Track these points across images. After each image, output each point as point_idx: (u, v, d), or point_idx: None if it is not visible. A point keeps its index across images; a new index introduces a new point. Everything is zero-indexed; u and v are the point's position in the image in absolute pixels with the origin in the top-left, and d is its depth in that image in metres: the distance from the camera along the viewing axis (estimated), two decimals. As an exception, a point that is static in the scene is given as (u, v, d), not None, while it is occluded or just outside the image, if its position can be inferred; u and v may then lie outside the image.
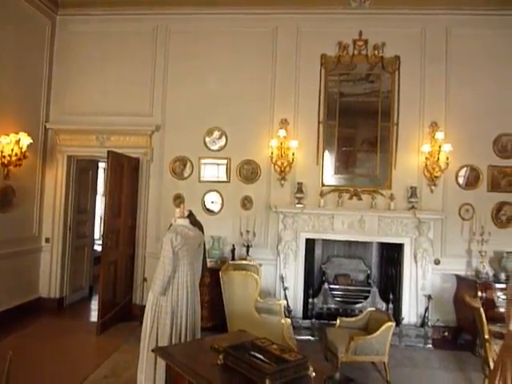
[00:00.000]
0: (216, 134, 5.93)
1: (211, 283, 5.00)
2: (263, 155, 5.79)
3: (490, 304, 4.87)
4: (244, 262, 5.07)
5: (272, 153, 5.62)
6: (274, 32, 5.90)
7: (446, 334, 5.45)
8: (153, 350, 2.72)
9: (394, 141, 5.65)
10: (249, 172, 5.85)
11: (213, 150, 5.94)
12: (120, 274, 5.61)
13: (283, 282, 5.46)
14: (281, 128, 5.64)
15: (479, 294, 4.95)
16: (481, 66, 5.62)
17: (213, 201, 5.92)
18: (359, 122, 5.83)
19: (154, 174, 6.03)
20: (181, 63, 6.03)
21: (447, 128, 5.54)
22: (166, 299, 3.07)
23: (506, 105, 5.56)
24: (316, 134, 5.75)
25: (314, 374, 2.17)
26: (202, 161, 5.95)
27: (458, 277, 5.45)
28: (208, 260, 5.30)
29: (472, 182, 5.61)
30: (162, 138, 6.04)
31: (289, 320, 3.95)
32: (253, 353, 2.25)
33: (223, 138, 5.92)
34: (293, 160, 5.61)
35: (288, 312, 5.29)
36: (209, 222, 5.68)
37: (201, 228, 3.49)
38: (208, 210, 5.90)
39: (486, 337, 3.58)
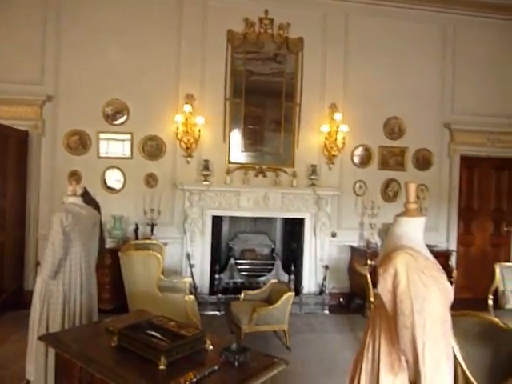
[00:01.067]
0: (117, 107, 5.58)
1: (113, 264, 4.78)
2: (168, 131, 5.61)
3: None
4: (147, 241, 4.93)
5: (177, 129, 5.47)
6: (179, 4, 5.65)
7: (341, 299, 5.95)
8: (40, 338, 2.52)
9: (297, 121, 5.87)
10: (153, 148, 5.64)
11: (113, 125, 5.59)
12: (7, 258, 5.09)
13: (189, 260, 5.46)
14: (186, 103, 5.50)
15: (369, 262, 5.47)
16: (374, 54, 6.03)
17: (115, 178, 5.61)
18: (266, 102, 5.93)
19: (46, 149, 5.50)
20: (78, 29, 5.49)
21: (345, 110, 5.89)
22: (57, 283, 2.86)
23: (394, 91, 6.08)
24: (223, 111, 5.73)
25: (211, 347, 2.21)
26: (102, 135, 5.57)
27: (352, 247, 5.96)
28: (109, 240, 5.09)
29: (365, 160, 6.11)
30: (55, 109, 5.50)
31: (192, 297, 3.97)
32: (149, 332, 2.22)
33: (125, 112, 5.59)
34: (199, 136, 5.53)
35: (194, 289, 5.32)
36: (110, 201, 5.43)
37: (97, 207, 3.29)
38: (109, 187, 5.59)
39: (372, 300, 3.98)
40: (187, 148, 5.53)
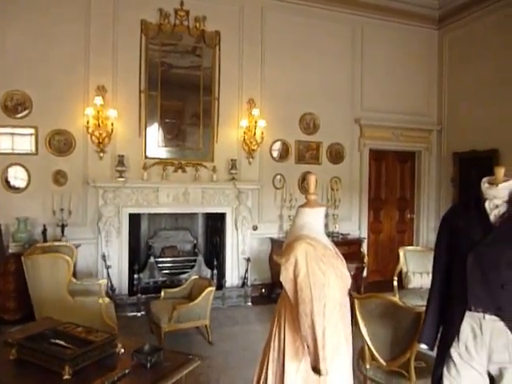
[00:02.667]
0: (18, 99, 5.07)
1: (17, 270, 4.35)
2: (78, 125, 5.25)
3: (296, 260, 5.63)
4: (56, 243, 4.58)
5: (88, 122, 5.14)
6: (86, -11, 5.29)
7: (263, 290, 6.09)
8: None
9: (216, 115, 5.84)
10: (61, 143, 5.23)
11: (15, 118, 5.08)
12: None
13: (105, 261, 5.18)
14: (97, 95, 5.18)
15: (288, 252, 5.65)
16: (290, 50, 6.21)
17: (17, 176, 5.12)
18: (184, 95, 5.81)
19: None
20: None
21: (262, 105, 6.00)
22: None
23: (309, 87, 6.32)
24: (138, 104, 5.50)
25: (122, 350, 2.12)
26: (1, 130, 5.04)
27: (272, 239, 6.12)
28: (13, 245, 4.65)
29: (283, 155, 6.29)
30: None
31: (107, 299, 3.77)
32: (53, 340, 2.06)
33: (27, 105, 5.11)
34: (112, 131, 5.25)
35: (111, 291, 5.08)
36: (13, 201, 4.97)
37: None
38: (11, 187, 5.09)
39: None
40: (99, 143, 5.22)
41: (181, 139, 5.76)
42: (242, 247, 5.82)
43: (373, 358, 2.76)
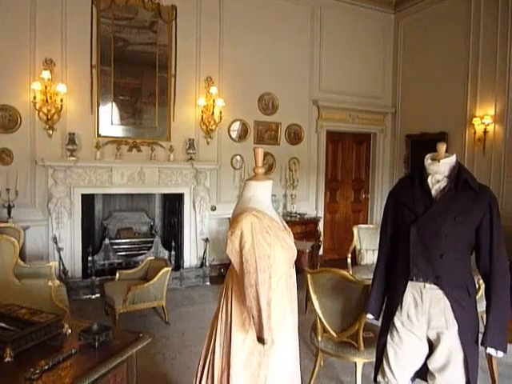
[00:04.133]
0: (-46, 70, 4.69)
1: (-42, 254, 4.11)
2: (24, 100, 4.94)
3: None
4: (1, 224, 4.33)
5: (35, 98, 4.83)
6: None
7: (222, 270, 6.11)
8: None
9: (173, 93, 5.68)
10: (5, 120, 4.91)
11: (-49, 91, 4.70)
12: None
13: (57, 243, 4.99)
14: (45, 69, 4.88)
15: (246, 232, 5.68)
16: (249, 29, 6.12)
17: (-44, 155, 4.77)
18: (140, 72, 5.58)
19: None
20: None
21: (221, 84, 5.90)
22: None
23: (268, 67, 6.28)
24: (89, 80, 5.24)
25: (69, 330, 2.06)
26: None
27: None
28: (-48, 227, 4.35)
29: (242, 135, 6.25)
30: None
31: (57, 281, 3.64)
32: (-7, 323, 1.96)
33: (-35, 76, 4.74)
34: (62, 107, 4.99)
35: (64, 274, 4.92)
36: (-49, 181, 4.63)
37: None
38: (-51, 166, 4.74)
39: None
40: (48, 119, 4.94)
41: (136, 117, 5.57)
42: (200, 228, 5.78)
43: (324, 330, 2.86)
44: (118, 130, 5.43)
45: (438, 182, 1.92)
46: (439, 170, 1.92)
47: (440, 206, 1.86)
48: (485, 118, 5.71)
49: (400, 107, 7.31)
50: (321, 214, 6.89)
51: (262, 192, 1.78)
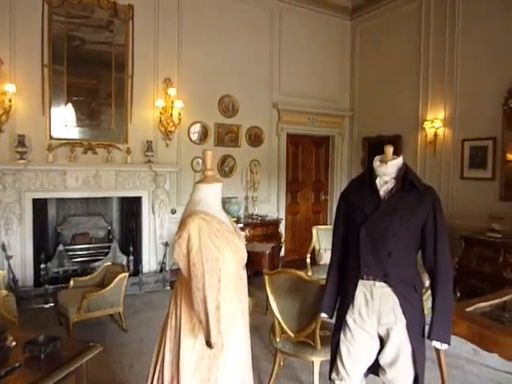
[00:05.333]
0: None
1: None
2: (-32, 100, 4.67)
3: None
4: None
5: (-20, 97, 4.58)
6: None
7: (183, 275, 6.03)
8: None
9: (130, 94, 5.55)
10: None
11: None
12: None
13: (5, 251, 4.74)
14: (-9, 68, 4.64)
15: (207, 235, 5.63)
16: (208, 31, 6.08)
17: None
18: (96, 73, 5.42)
19: None
20: None
21: (179, 85, 5.83)
22: None
23: (228, 69, 6.28)
24: (40, 80, 5.02)
25: (14, 343, 1.96)
26: None
27: (191, 223, 6.04)
28: None
29: (202, 137, 6.20)
30: None
31: (4, 291, 3.45)
32: None
33: None
34: (10, 107, 4.75)
35: (14, 282, 4.68)
36: None
37: None
38: None
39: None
40: (-5, 121, 4.69)
41: (92, 119, 5.39)
42: (159, 231, 5.68)
43: (282, 331, 2.89)
44: (72, 132, 5.24)
45: (386, 183, 1.99)
46: (387, 172, 1.99)
47: (388, 207, 1.93)
48: (435, 122, 5.98)
49: (357, 111, 7.52)
50: (282, 215, 6.96)
51: (211, 195, 1.76)
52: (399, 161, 2.01)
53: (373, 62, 7.15)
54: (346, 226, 2.12)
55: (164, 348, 1.69)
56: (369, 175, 2.05)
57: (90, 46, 5.35)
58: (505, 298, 3.06)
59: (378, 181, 2.00)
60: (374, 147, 7.02)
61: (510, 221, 5.00)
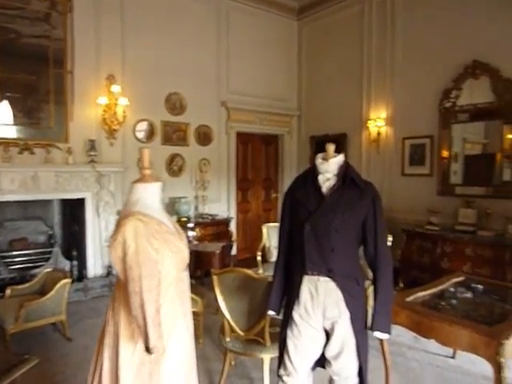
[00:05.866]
0: None
1: None
2: None
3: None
4: None
5: None
6: None
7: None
8: None
9: (70, 91, 5.28)
10: None
11: None
12: None
13: None
14: None
15: (156, 237, 5.48)
16: (154, 27, 5.93)
17: None
18: (33, 67, 5.09)
19: None
20: None
21: (124, 82, 5.62)
22: None
23: (175, 66, 6.16)
24: (-32, 74, 4.65)
25: None
26: None
27: (139, 224, 5.86)
28: None
29: (149, 135, 6.04)
30: None
31: None
32: None
33: None
34: None
35: None
36: None
37: None
38: None
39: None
40: None
41: (28, 117, 5.06)
42: (105, 234, 5.45)
43: (232, 330, 2.88)
44: (6, 131, 4.88)
45: (328, 180, 2.03)
46: (328, 169, 2.03)
47: (330, 203, 1.97)
48: (378, 121, 6.24)
49: (304, 110, 7.68)
50: (233, 214, 6.95)
51: (150, 194, 1.70)
52: (340, 158, 2.07)
53: (319, 63, 7.33)
54: (292, 223, 2.14)
55: (102, 356, 1.61)
56: (312, 172, 2.08)
57: (26, 39, 5.03)
58: (441, 287, 3.25)
59: (320, 178, 2.04)
60: (321, 145, 7.09)
61: (446, 214, 5.34)
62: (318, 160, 2.07)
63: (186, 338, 1.65)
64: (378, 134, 6.27)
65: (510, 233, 4.67)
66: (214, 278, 2.80)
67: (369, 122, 6.38)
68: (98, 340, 1.71)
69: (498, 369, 2.23)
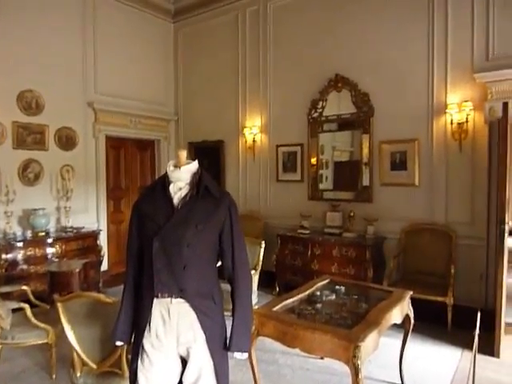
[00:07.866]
0: None
1: None
2: None
3: (15, 264, 4.76)
4: None
5: None
6: None
7: None
8: None
9: None
10: None
11: None
12: None
13: None
14: None
15: (4, 256, 4.68)
16: (5, 10, 5.10)
17: None
18: None
19: None
20: None
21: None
22: None
23: (30, 61, 5.36)
24: None
25: None
26: None
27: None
28: None
29: (-4, 138, 5.15)
30: None
31: None
32: None
33: None
34: None
35: None
36: None
37: None
38: None
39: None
40: None
41: None
42: None
43: (83, 363, 2.49)
44: None
45: (180, 189, 1.84)
46: (181, 177, 1.84)
47: (181, 215, 1.78)
48: (253, 129, 6.32)
49: (182, 115, 7.44)
50: (103, 225, 6.33)
51: None
52: (194, 165, 1.90)
53: (196, 68, 7.18)
54: (140, 240, 1.89)
55: None
56: (162, 182, 1.87)
57: None
58: (308, 292, 3.31)
59: (171, 187, 1.84)
60: (199, 152, 7.05)
61: (316, 218, 5.61)
62: (170, 167, 1.86)
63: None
64: (254, 141, 6.35)
65: (369, 233, 5.10)
66: (59, 305, 2.39)
67: (245, 129, 6.43)
68: None
69: (356, 371, 2.28)
